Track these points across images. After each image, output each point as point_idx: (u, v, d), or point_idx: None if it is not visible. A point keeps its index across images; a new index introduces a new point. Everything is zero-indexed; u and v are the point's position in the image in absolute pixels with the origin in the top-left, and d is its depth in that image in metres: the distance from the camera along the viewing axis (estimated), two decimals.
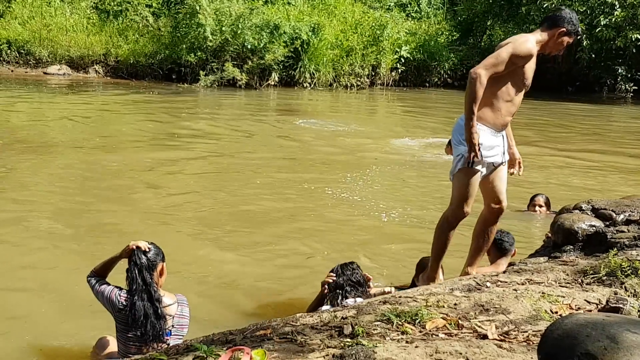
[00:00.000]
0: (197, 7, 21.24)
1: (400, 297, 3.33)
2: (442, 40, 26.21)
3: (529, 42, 4.41)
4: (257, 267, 6.49)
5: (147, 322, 3.93)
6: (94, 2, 23.39)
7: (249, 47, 21.45)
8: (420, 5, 28.63)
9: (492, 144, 4.44)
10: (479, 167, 4.41)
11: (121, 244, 4.28)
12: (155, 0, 23.25)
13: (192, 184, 9.57)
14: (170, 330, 4.03)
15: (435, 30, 26.82)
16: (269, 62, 21.78)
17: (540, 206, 8.01)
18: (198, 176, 10.14)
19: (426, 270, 4.80)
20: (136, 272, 3.99)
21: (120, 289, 4.09)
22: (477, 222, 4.74)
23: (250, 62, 21.84)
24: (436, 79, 25.65)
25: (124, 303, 3.98)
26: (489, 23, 26.33)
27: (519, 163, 4.84)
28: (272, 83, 22.38)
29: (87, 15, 23.12)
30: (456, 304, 3.14)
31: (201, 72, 21.50)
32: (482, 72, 4.28)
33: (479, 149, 4.31)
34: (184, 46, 21.54)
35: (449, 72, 25.67)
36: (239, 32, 21.34)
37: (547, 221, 7.25)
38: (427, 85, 25.38)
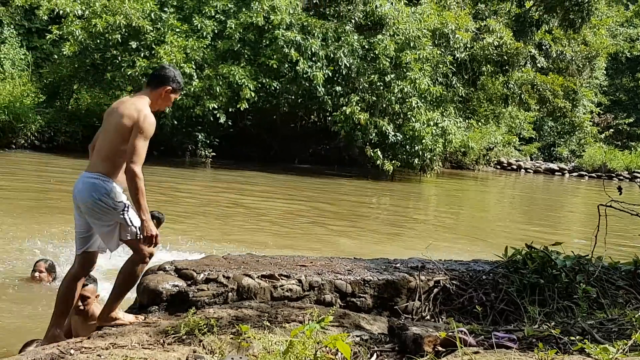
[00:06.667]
0: None
1: None
2: (29, 102, 25.26)
3: (150, 113, 4.62)
4: None
5: None
6: None
7: None
8: (4, 66, 27.32)
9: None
10: None
11: None
12: None
13: None
14: None
15: (21, 91, 25.72)
16: None
17: (41, 272, 7.71)
18: None
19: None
20: None
21: None
22: (65, 280, 4.68)
23: None
24: (23, 141, 24.57)
25: None
26: (75, 87, 26.09)
27: None
28: None
29: None
30: None
31: None
32: (139, 169, 4.42)
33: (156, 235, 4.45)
34: None
35: (36, 134, 24.81)
36: None
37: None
38: (14, 147, 24.18)
